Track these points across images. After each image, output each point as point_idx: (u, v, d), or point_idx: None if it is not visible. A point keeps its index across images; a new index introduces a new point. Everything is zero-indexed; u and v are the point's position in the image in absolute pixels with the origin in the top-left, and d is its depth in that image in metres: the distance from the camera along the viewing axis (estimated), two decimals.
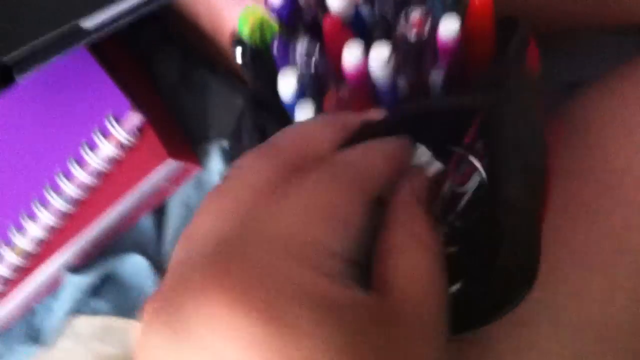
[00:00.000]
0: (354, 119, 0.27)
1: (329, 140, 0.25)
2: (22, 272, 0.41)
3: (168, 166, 0.39)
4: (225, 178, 0.24)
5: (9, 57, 0.33)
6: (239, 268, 0.20)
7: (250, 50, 0.30)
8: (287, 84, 0.28)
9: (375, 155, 0.25)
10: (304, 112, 0.28)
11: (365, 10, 0.29)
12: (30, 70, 0.34)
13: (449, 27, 0.27)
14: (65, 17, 0.33)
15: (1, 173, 0.40)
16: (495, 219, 0.25)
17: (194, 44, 0.42)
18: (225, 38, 0.39)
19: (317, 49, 0.28)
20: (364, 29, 0.30)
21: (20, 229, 0.39)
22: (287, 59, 0.29)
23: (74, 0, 0.33)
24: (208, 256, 0.21)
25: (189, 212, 0.42)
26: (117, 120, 0.38)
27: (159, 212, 0.43)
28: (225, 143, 0.41)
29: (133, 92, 0.40)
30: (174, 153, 0.40)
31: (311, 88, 0.29)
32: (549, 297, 0.30)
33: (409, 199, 0.25)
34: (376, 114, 0.27)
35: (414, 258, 0.23)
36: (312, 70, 0.28)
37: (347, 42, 0.28)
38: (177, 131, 0.43)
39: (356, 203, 0.22)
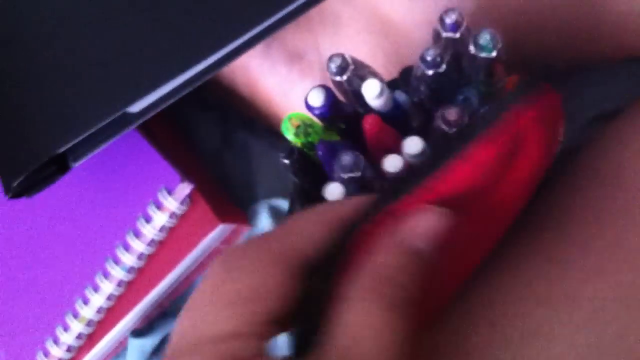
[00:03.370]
0: None
1: None
2: (89, 339, 0.43)
3: (220, 230, 0.41)
4: None
5: (63, 148, 0.35)
6: None
7: (297, 151, 0.31)
8: (333, 194, 0.29)
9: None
10: None
11: (402, 98, 0.30)
12: (83, 158, 0.35)
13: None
14: (113, 105, 0.34)
15: (67, 251, 0.41)
16: None
17: (232, 108, 0.43)
18: (261, 102, 0.41)
19: (361, 162, 0.28)
20: (402, 116, 0.30)
21: (86, 301, 0.41)
22: (331, 162, 0.30)
23: (120, 88, 0.35)
24: None
25: None
26: (169, 192, 0.39)
27: None
28: (271, 202, 0.43)
29: (179, 162, 0.41)
30: (224, 216, 0.41)
31: (357, 192, 0.29)
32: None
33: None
34: None
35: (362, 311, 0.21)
36: (358, 182, 0.29)
37: (385, 155, 0.29)
38: (224, 193, 0.44)
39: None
